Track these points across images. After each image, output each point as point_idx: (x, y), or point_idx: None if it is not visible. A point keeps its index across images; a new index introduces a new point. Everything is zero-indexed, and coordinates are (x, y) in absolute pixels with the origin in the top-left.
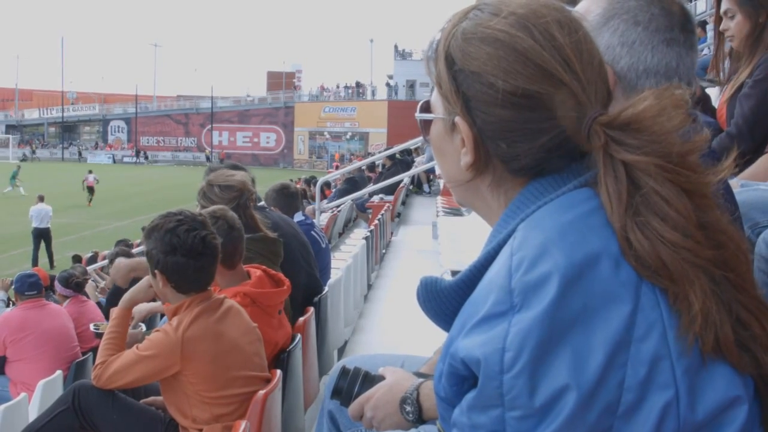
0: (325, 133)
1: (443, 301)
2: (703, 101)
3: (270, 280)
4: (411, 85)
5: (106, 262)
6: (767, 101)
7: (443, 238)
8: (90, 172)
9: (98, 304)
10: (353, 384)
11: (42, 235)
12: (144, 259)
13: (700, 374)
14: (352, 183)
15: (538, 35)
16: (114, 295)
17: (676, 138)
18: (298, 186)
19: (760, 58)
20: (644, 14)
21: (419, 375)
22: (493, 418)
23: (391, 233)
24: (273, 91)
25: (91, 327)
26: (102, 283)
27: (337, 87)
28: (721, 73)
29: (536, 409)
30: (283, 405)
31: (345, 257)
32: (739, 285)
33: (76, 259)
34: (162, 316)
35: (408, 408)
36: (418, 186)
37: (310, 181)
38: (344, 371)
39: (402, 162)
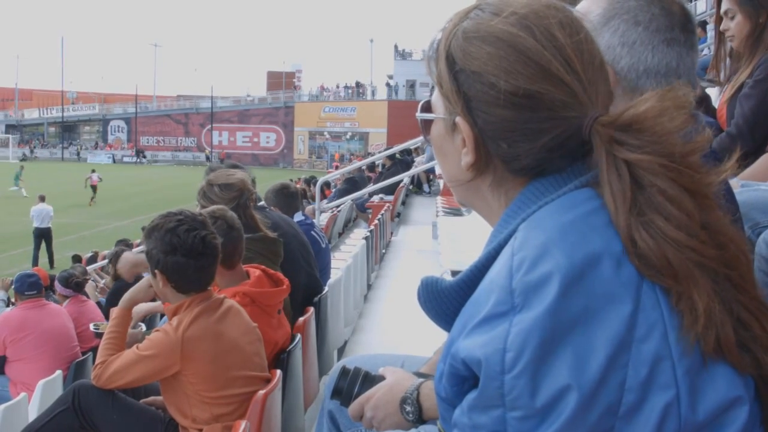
0: (325, 133)
1: (444, 301)
2: (704, 101)
3: (269, 280)
4: (411, 85)
5: (106, 261)
6: (767, 101)
7: (443, 238)
8: (93, 171)
9: (98, 303)
10: (353, 384)
11: (43, 235)
12: None
13: (701, 375)
14: (352, 183)
15: (539, 35)
16: (114, 295)
17: (677, 138)
18: (297, 186)
19: (760, 59)
20: (645, 14)
21: (419, 375)
22: (494, 418)
23: (391, 233)
24: (273, 91)
25: (91, 327)
26: (102, 283)
27: (337, 87)
28: (722, 74)
29: (537, 409)
30: (283, 405)
31: (345, 257)
32: (740, 286)
33: (76, 259)
34: (162, 316)
35: (408, 408)
36: (418, 186)
37: (310, 181)
38: (344, 371)
39: (402, 162)
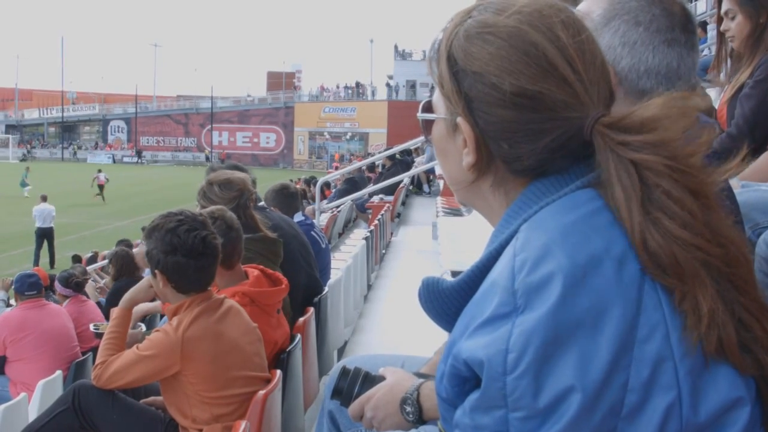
0: (325, 134)
1: (445, 301)
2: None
3: (267, 280)
4: (411, 86)
5: (106, 261)
6: (767, 102)
7: (443, 238)
8: (100, 171)
9: (98, 304)
10: (353, 384)
11: (45, 235)
12: None
13: (702, 375)
14: (352, 183)
15: (541, 35)
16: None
17: (681, 140)
18: (297, 186)
19: (760, 59)
20: (645, 15)
21: (419, 375)
22: (496, 418)
23: (391, 233)
24: (273, 91)
25: (91, 327)
26: (102, 283)
27: (337, 87)
28: (723, 74)
29: (540, 410)
30: (283, 405)
31: (345, 257)
32: (741, 287)
33: (76, 259)
34: (162, 316)
35: (408, 408)
36: (418, 186)
37: (310, 181)
38: (344, 371)
39: (402, 162)
